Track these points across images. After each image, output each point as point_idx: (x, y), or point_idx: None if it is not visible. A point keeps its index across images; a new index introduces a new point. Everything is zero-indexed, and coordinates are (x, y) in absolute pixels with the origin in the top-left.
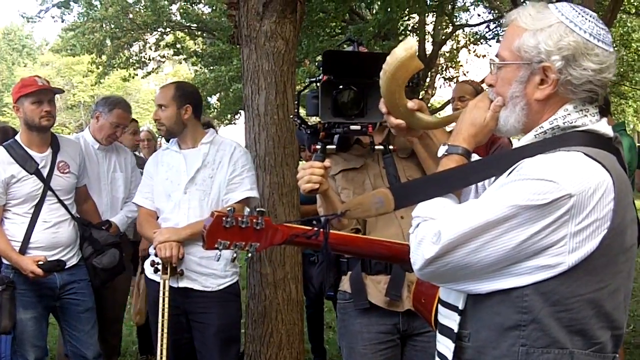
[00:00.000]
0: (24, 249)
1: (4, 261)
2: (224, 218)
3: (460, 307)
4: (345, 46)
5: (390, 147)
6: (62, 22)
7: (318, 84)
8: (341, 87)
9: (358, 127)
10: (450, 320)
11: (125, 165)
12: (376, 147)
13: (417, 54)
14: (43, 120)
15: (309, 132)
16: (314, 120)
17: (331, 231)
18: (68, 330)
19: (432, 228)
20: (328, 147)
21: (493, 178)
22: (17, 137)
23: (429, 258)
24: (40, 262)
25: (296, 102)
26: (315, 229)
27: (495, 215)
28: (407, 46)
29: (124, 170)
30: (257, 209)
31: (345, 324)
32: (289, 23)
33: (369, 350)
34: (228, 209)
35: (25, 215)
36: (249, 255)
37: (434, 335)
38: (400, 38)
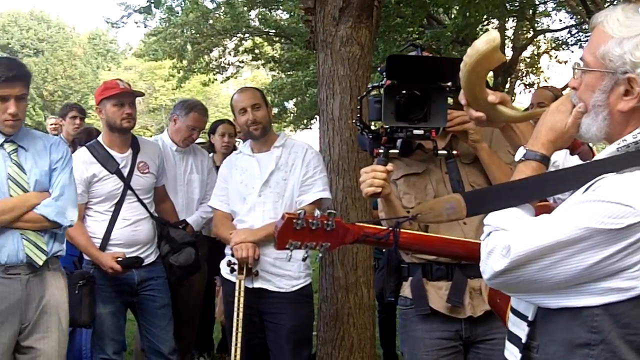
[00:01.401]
0: (104, 246)
1: (85, 257)
2: (294, 220)
3: (530, 317)
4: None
5: (454, 152)
6: (145, 27)
7: (381, 89)
8: (404, 91)
9: (421, 132)
10: (519, 329)
11: (202, 167)
12: (439, 152)
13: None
14: (124, 122)
15: (371, 136)
16: (376, 125)
17: (403, 230)
18: (145, 325)
19: (502, 240)
20: (391, 151)
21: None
22: (100, 138)
23: (498, 271)
24: (119, 259)
25: (359, 107)
26: (388, 229)
27: (568, 235)
28: (489, 38)
29: (200, 172)
30: (328, 211)
31: (407, 329)
32: (364, 28)
33: (431, 357)
34: (299, 211)
35: (106, 213)
36: (320, 255)
37: (497, 342)
38: None
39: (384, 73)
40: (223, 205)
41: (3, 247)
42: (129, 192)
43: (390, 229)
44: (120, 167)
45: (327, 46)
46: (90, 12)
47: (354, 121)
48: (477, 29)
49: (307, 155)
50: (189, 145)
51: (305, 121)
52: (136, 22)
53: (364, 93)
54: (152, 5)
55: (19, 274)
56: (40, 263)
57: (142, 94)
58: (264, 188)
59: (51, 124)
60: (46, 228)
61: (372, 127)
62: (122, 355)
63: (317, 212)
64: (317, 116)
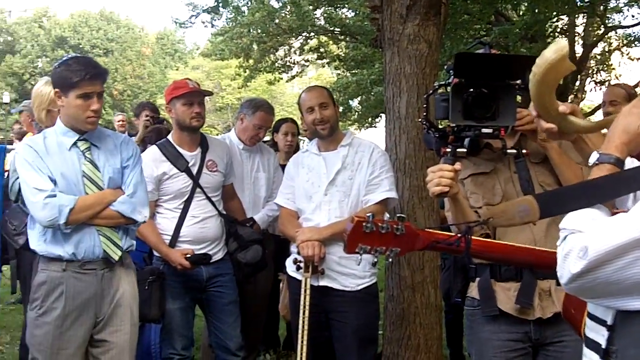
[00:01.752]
0: (173, 243)
1: (155, 253)
2: (364, 223)
3: (609, 322)
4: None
5: (523, 151)
6: (212, 27)
7: (448, 87)
8: (472, 89)
9: (490, 131)
10: (598, 334)
11: (268, 165)
12: (508, 151)
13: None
14: (193, 121)
15: (437, 135)
16: (442, 123)
17: (474, 237)
18: (212, 321)
19: (579, 242)
20: (458, 150)
21: None
22: (170, 137)
23: (575, 273)
24: (188, 255)
25: (425, 105)
26: (457, 235)
27: None
28: (558, 48)
29: (267, 170)
30: (397, 215)
31: (474, 331)
32: (432, 25)
33: (499, 359)
34: (368, 214)
35: (175, 210)
36: (389, 260)
37: (566, 345)
38: (549, 40)
39: (451, 71)
40: (289, 203)
41: (80, 243)
42: (198, 190)
43: (461, 235)
44: (189, 165)
45: (394, 44)
46: (158, 12)
47: (420, 120)
48: (547, 25)
49: (373, 154)
50: (256, 143)
51: (369, 119)
52: (203, 22)
53: (431, 91)
54: (220, 5)
55: (95, 269)
56: (117, 258)
57: (210, 93)
58: (330, 187)
59: (118, 121)
60: (122, 224)
61: (439, 126)
62: (190, 351)
63: (387, 216)
64: (381, 114)
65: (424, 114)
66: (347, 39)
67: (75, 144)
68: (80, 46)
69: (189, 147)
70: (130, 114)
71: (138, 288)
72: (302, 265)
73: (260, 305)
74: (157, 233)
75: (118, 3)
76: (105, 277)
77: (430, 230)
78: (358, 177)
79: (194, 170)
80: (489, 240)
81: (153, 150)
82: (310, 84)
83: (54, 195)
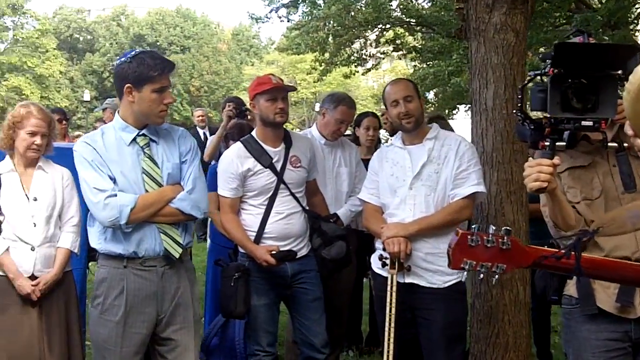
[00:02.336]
0: (258, 239)
1: (240, 249)
2: (469, 236)
3: None
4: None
5: (625, 144)
6: (288, 21)
7: (544, 78)
8: (570, 80)
9: (590, 123)
10: None
11: (350, 160)
12: (609, 144)
13: None
14: (277, 117)
15: (532, 127)
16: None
17: (583, 254)
18: (298, 318)
19: None
20: (557, 143)
21: None
22: (253, 133)
23: None
24: (274, 252)
25: (519, 96)
26: (565, 250)
27: None
28: None
29: (349, 165)
30: (503, 228)
31: (572, 329)
32: (519, 14)
33: (598, 358)
34: (473, 226)
35: (259, 206)
36: (495, 277)
37: None
38: (631, 27)
39: (547, 60)
40: (373, 198)
41: (141, 241)
42: (282, 186)
43: (569, 249)
44: (273, 161)
45: (480, 34)
46: (233, 7)
47: (514, 111)
48: (630, 12)
49: (460, 147)
50: (337, 138)
51: (446, 111)
52: (279, 17)
53: (525, 81)
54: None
55: (155, 267)
56: (177, 255)
57: (294, 88)
58: (415, 181)
59: (198, 116)
60: (181, 221)
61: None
62: (275, 348)
63: (492, 229)
64: (458, 106)
65: (519, 105)
66: (424, 30)
67: (134, 139)
68: (158, 43)
69: (273, 143)
70: (208, 110)
71: (224, 284)
72: (387, 262)
73: (343, 302)
74: (242, 229)
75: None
76: (166, 275)
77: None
78: (445, 170)
79: (278, 166)
80: (600, 258)
81: (237, 147)
82: (385, 77)
83: (115, 195)
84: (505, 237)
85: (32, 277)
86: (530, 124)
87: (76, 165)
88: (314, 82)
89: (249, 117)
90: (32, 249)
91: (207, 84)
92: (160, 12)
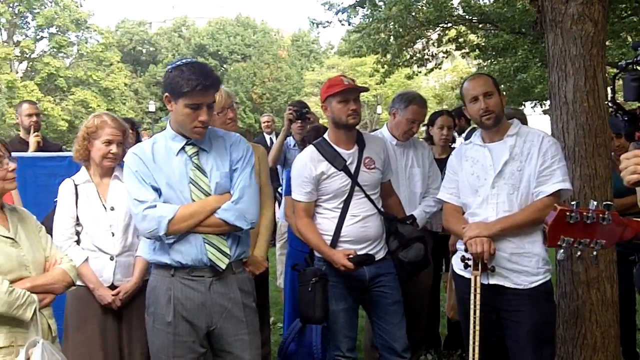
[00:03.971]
0: (334, 243)
1: (316, 254)
2: (567, 213)
3: None
4: None
5: None
6: (349, 24)
7: (638, 66)
8: None
9: None
10: None
11: (423, 160)
12: None
13: None
14: (349, 119)
15: (626, 118)
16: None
17: None
18: (377, 322)
19: None
20: None
21: None
22: (326, 136)
23: None
24: (351, 256)
25: (611, 87)
26: None
27: None
28: None
29: (422, 165)
30: (604, 202)
31: None
32: (597, 3)
33: None
34: (573, 202)
35: (335, 210)
36: (594, 254)
37: None
38: None
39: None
40: (453, 197)
41: (186, 251)
42: (357, 188)
43: None
44: (347, 163)
45: (557, 25)
46: (292, 13)
47: (606, 102)
48: None
49: (543, 143)
50: (409, 138)
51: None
52: (340, 20)
53: (618, 71)
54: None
55: (203, 277)
56: (223, 267)
57: (366, 89)
58: (497, 179)
59: (264, 122)
60: (227, 232)
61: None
62: (355, 353)
63: (593, 204)
64: (524, 103)
65: (611, 95)
66: (487, 27)
67: (182, 148)
68: (219, 53)
69: (346, 145)
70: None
71: (301, 290)
72: (470, 263)
73: (422, 304)
74: (318, 234)
75: (253, 8)
76: (214, 286)
77: (636, 219)
78: (528, 168)
79: (352, 168)
80: None
81: (310, 150)
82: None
83: (154, 207)
84: (607, 212)
85: (112, 287)
86: (624, 115)
87: (124, 175)
88: (377, 84)
89: (310, 119)
90: (112, 258)
91: (269, 91)
92: (221, 21)
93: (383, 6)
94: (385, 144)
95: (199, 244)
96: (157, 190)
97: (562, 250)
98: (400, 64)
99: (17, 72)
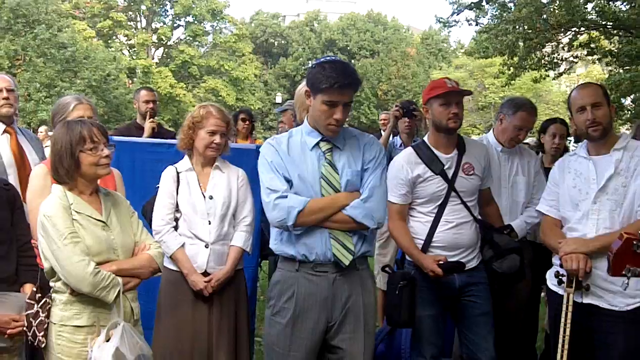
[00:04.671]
0: (426, 248)
1: (407, 257)
2: (634, 242)
3: None
4: None
5: None
6: (476, 25)
7: None
8: None
9: None
10: None
11: (529, 168)
12: None
13: None
14: (450, 122)
15: None
16: None
17: None
18: (464, 332)
19: None
20: None
21: None
22: (425, 138)
23: None
24: (441, 262)
25: None
26: None
27: None
28: None
29: (527, 174)
30: None
31: None
32: None
33: None
34: None
35: (429, 214)
36: None
37: None
38: None
39: None
40: (552, 210)
41: (312, 245)
42: (453, 193)
43: None
44: (445, 168)
45: None
46: (423, 11)
47: None
48: None
49: None
50: (515, 145)
51: None
52: (467, 20)
53: None
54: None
55: (327, 272)
56: (347, 263)
57: (470, 93)
58: (600, 194)
59: (382, 119)
60: (353, 229)
61: None
62: None
63: None
64: None
65: None
66: (621, 33)
67: (317, 144)
68: (348, 48)
69: (445, 149)
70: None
71: (389, 292)
72: (564, 279)
73: (515, 317)
74: (410, 237)
75: (385, 4)
76: (337, 281)
77: None
78: (633, 184)
79: (450, 173)
80: None
81: (408, 152)
82: (579, 82)
83: (285, 197)
84: None
85: (205, 274)
86: None
87: (258, 165)
88: (502, 86)
89: (417, 116)
90: (206, 246)
91: (395, 88)
92: (352, 17)
93: (512, 7)
94: (487, 150)
95: (324, 238)
96: (288, 181)
97: (626, 280)
98: (528, 66)
99: (153, 58)
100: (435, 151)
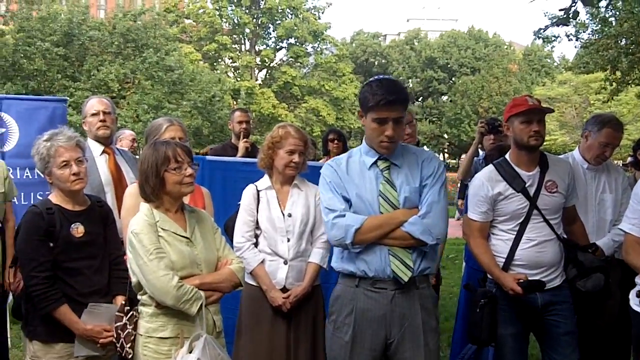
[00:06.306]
0: (507, 266)
1: (489, 276)
2: None
3: None
4: None
5: None
6: (577, 40)
7: None
8: None
9: None
10: None
11: (616, 186)
12: None
13: None
14: (531, 140)
15: None
16: None
17: None
18: (547, 352)
19: None
20: None
21: None
22: (507, 156)
23: None
24: (521, 280)
25: None
26: None
27: None
28: None
29: (614, 191)
30: None
31: None
32: None
33: None
34: None
35: (510, 232)
36: None
37: None
38: None
39: None
40: (635, 229)
41: (371, 261)
42: (535, 211)
43: None
44: (526, 185)
45: None
46: (526, 27)
47: None
48: None
49: None
50: (602, 162)
51: None
52: (567, 35)
53: None
54: (570, 16)
55: (385, 289)
56: (406, 279)
57: (551, 110)
58: None
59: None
60: (412, 245)
61: None
62: None
63: None
64: None
65: None
66: None
67: (375, 163)
68: (449, 66)
69: (527, 167)
70: None
71: (471, 310)
72: None
73: (606, 336)
74: (491, 255)
75: (487, 20)
76: (397, 298)
77: None
78: None
79: (532, 190)
80: None
81: (489, 170)
82: None
83: (343, 216)
84: None
85: (284, 290)
86: None
87: (319, 185)
88: (604, 102)
89: (503, 132)
90: (285, 262)
91: (496, 105)
92: (453, 34)
93: (614, 21)
94: (570, 167)
95: (384, 255)
96: (347, 200)
97: None
98: (631, 81)
99: (256, 80)
100: (517, 169)
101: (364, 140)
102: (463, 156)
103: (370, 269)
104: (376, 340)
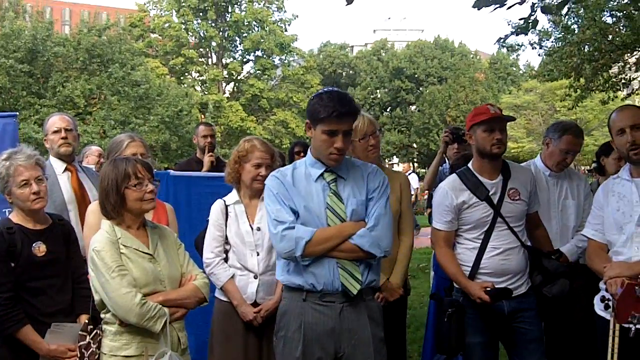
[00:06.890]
0: (473, 275)
1: (455, 285)
2: (636, 287)
3: None
4: None
5: None
6: (540, 48)
7: None
8: None
9: None
10: None
11: (578, 192)
12: None
13: None
14: (494, 148)
15: None
16: None
17: None
18: (515, 358)
19: None
20: None
21: None
22: (470, 165)
23: None
24: (488, 289)
25: None
26: None
27: None
28: None
29: (576, 197)
30: None
31: None
32: None
33: None
34: None
35: (475, 240)
36: None
37: None
38: None
39: None
40: (597, 234)
41: (319, 274)
42: (499, 219)
43: None
44: (490, 193)
45: None
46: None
47: None
48: None
49: None
50: (563, 169)
51: None
52: (531, 44)
53: None
54: (529, 24)
55: (334, 302)
56: (355, 292)
57: (512, 119)
58: None
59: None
60: (361, 258)
61: None
62: None
63: None
64: None
65: None
66: None
67: (321, 175)
68: (416, 75)
69: (490, 175)
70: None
71: (439, 319)
72: (610, 304)
73: (570, 343)
74: (457, 264)
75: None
76: (345, 311)
77: None
78: None
79: (495, 199)
80: None
81: (453, 179)
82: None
83: (293, 228)
84: None
85: (255, 304)
86: None
87: (264, 197)
88: (569, 109)
89: (467, 142)
90: (255, 276)
91: (463, 114)
92: (419, 44)
93: (576, 29)
94: (532, 175)
95: (332, 268)
96: (295, 213)
97: (633, 327)
98: (595, 88)
99: (224, 93)
100: (480, 177)
101: (309, 152)
102: None
103: (318, 282)
104: (326, 354)
